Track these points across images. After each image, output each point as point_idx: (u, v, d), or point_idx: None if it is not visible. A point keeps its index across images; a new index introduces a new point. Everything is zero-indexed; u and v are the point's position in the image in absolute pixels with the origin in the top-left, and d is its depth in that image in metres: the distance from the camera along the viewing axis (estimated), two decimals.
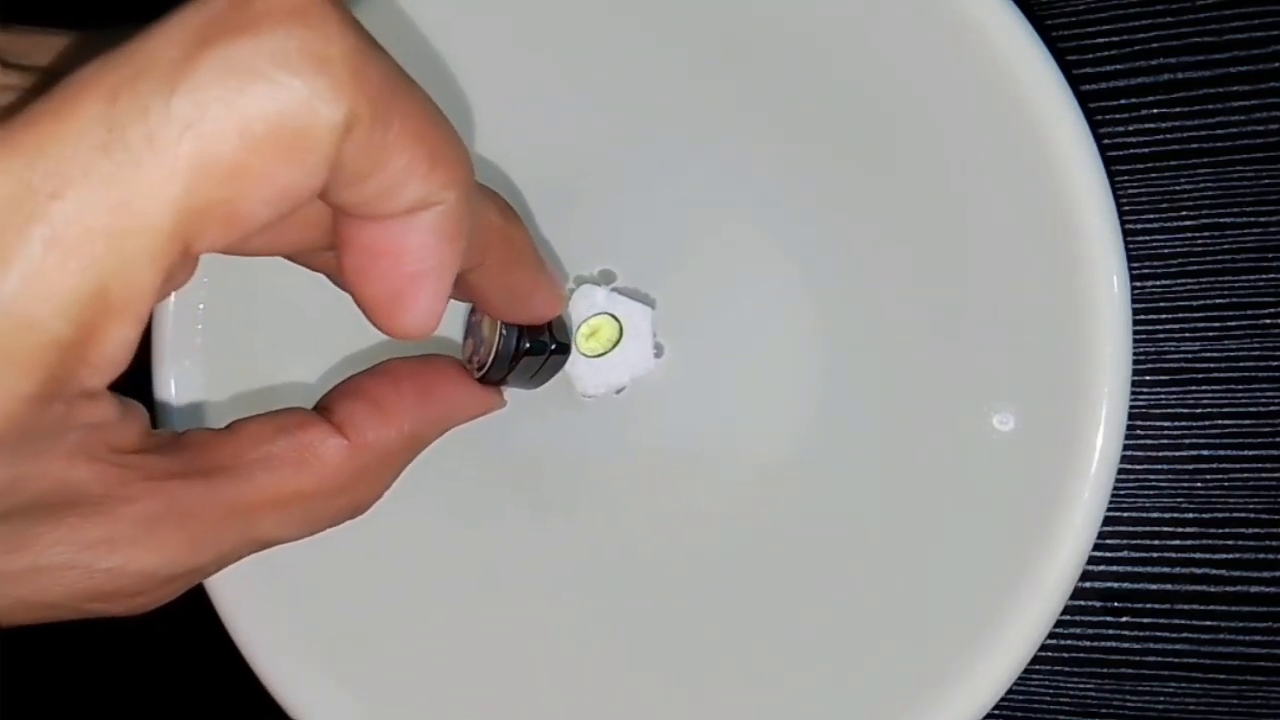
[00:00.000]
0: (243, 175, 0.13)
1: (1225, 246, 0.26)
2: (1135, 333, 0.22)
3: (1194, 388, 0.26)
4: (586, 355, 0.24)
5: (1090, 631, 0.27)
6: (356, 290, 0.16)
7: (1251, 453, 0.26)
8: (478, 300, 0.21)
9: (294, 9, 0.13)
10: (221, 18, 0.13)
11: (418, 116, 0.15)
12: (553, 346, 0.22)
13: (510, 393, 0.23)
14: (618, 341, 0.24)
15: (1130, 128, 0.27)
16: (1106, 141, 0.27)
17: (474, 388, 0.22)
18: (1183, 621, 0.26)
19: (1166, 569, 0.27)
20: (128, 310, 0.13)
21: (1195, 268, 0.26)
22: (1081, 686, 0.27)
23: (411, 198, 0.15)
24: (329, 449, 0.19)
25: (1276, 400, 0.26)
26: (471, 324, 0.22)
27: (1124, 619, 0.27)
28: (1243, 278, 0.26)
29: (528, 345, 0.22)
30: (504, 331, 0.21)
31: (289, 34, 0.13)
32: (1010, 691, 0.22)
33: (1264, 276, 0.26)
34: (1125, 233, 0.22)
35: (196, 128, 0.13)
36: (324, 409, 0.20)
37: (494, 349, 0.21)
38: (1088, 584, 0.27)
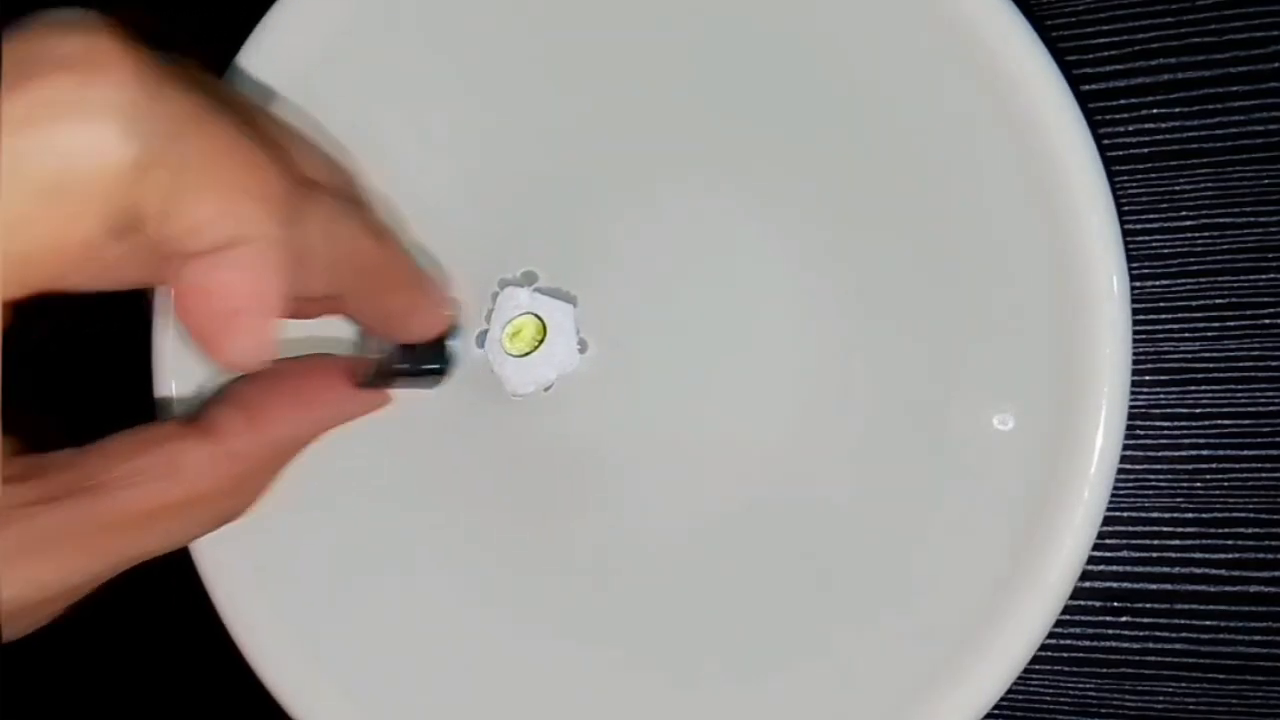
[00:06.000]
0: (28, 224, 0.13)
1: (1225, 246, 0.26)
2: (1135, 333, 0.22)
3: (1194, 388, 0.26)
4: (513, 355, 0.24)
5: (1090, 631, 0.27)
6: (182, 324, 0.16)
7: (1251, 453, 0.26)
8: (354, 322, 0.21)
9: (80, 58, 0.13)
10: (4, 71, 0.13)
11: (218, 155, 0.14)
12: (423, 367, 0.22)
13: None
14: (542, 340, 0.24)
15: (1130, 128, 0.27)
16: (1106, 141, 0.27)
17: (351, 390, 0.22)
18: (1183, 621, 0.26)
19: (1166, 569, 0.27)
20: None
21: (1195, 268, 0.26)
22: (1081, 686, 0.27)
23: (216, 236, 0.15)
24: (194, 459, 0.19)
25: (1276, 400, 0.26)
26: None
27: (1124, 619, 0.27)
28: (1243, 278, 0.26)
29: (404, 367, 0.22)
30: (382, 350, 0.21)
31: (71, 83, 0.13)
32: (1010, 691, 0.22)
33: (1264, 276, 0.26)
34: (1125, 233, 0.22)
35: None
36: (198, 415, 0.20)
37: (374, 364, 0.21)
38: (1088, 584, 0.27)
